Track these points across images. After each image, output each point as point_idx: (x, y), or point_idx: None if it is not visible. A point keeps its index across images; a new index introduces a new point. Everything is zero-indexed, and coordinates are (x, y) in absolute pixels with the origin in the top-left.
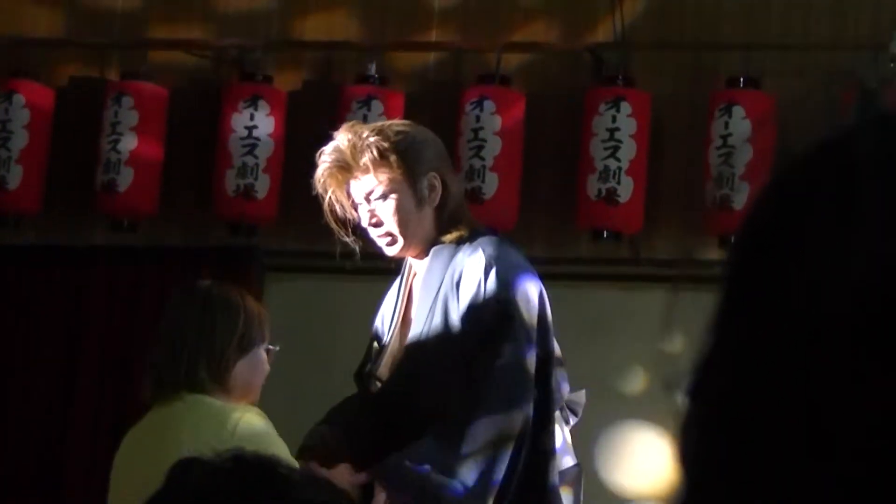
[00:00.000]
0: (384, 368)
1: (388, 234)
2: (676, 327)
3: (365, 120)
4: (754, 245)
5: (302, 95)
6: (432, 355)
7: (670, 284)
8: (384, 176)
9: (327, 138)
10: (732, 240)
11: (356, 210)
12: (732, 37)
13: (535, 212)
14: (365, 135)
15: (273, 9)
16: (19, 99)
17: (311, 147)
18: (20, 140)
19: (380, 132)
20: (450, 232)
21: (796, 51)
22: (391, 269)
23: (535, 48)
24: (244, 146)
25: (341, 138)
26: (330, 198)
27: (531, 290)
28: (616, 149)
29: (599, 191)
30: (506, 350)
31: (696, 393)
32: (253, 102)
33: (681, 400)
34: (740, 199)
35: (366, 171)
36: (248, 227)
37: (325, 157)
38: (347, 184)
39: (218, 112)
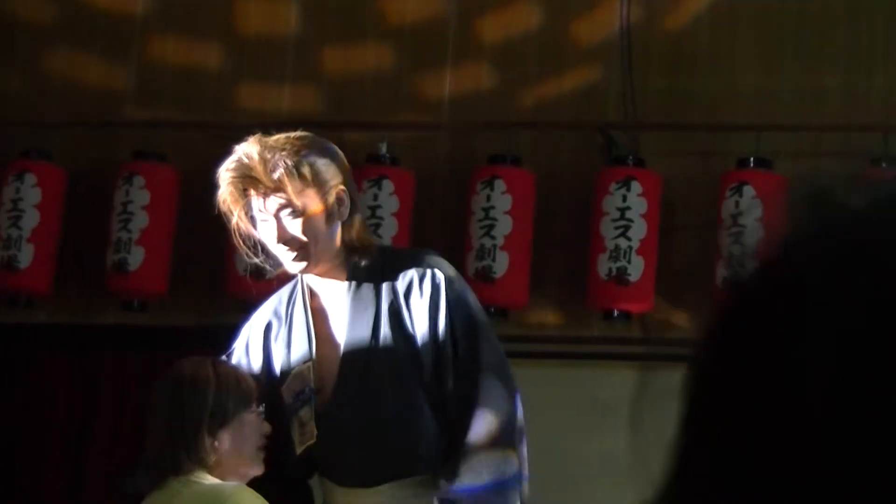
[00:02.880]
0: (324, 385)
1: (300, 249)
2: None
3: (375, 199)
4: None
5: None
6: (397, 365)
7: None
8: (297, 191)
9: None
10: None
11: (255, 225)
12: (744, 118)
13: (546, 291)
14: (276, 148)
15: (285, 89)
16: (31, 178)
17: None
18: (31, 219)
19: (290, 147)
20: (360, 251)
21: (808, 132)
22: None
23: (546, 128)
24: None
25: (249, 151)
26: (236, 216)
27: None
28: (626, 228)
29: (610, 270)
30: (493, 348)
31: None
32: None
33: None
34: None
35: (277, 186)
36: (257, 305)
37: (231, 173)
38: (249, 198)
39: None
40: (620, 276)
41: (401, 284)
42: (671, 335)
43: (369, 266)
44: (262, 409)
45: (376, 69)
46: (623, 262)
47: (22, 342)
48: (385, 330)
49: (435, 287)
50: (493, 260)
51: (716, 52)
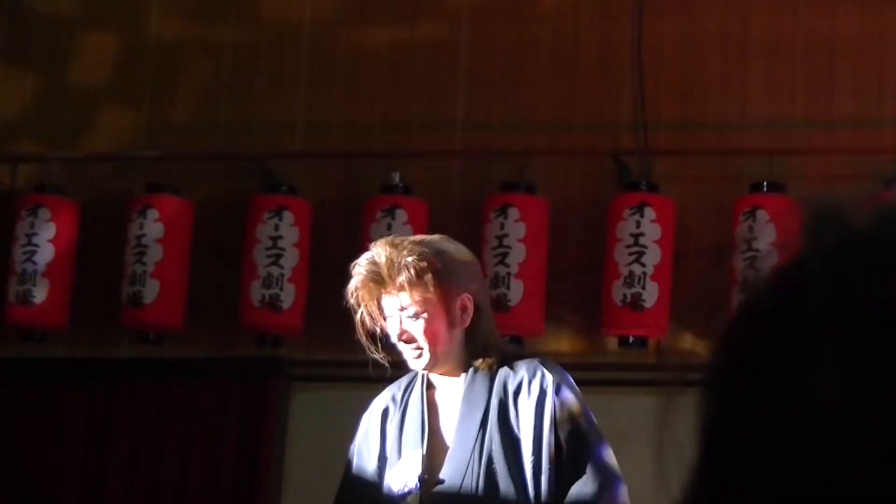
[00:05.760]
0: (431, 477)
1: (419, 349)
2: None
3: (389, 229)
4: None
5: (326, 205)
6: (499, 467)
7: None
8: (419, 296)
9: (354, 248)
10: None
11: (385, 321)
12: (754, 144)
13: (561, 318)
14: (403, 252)
15: (297, 120)
16: (45, 213)
17: (336, 256)
18: (46, 254)
19: (418, 252)
20: (482, 353)
21: (819, 156)
22: None
23: (559, 155)
24: (269, 256)
25: (379, 252)
26: (362, 311)
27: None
28: (641, 254)
29: (625, 296)
30: (604, 448)
31: None
32: (278, 213)
33: None
34: None
35: (401, 288)
36: (273, 337)
37: (360, 269)
38: (380, 296)
39: (243, 223)
40: (635, 302)
41: (511, 384)
42: (686, 361)
43: (487, 366)
44: None
45: (388, 98)
46: (638, 288)
47: (38, 376)
48: (492, 429)
49: (542, 389)
50: (508, 288)
51: (727, 79)
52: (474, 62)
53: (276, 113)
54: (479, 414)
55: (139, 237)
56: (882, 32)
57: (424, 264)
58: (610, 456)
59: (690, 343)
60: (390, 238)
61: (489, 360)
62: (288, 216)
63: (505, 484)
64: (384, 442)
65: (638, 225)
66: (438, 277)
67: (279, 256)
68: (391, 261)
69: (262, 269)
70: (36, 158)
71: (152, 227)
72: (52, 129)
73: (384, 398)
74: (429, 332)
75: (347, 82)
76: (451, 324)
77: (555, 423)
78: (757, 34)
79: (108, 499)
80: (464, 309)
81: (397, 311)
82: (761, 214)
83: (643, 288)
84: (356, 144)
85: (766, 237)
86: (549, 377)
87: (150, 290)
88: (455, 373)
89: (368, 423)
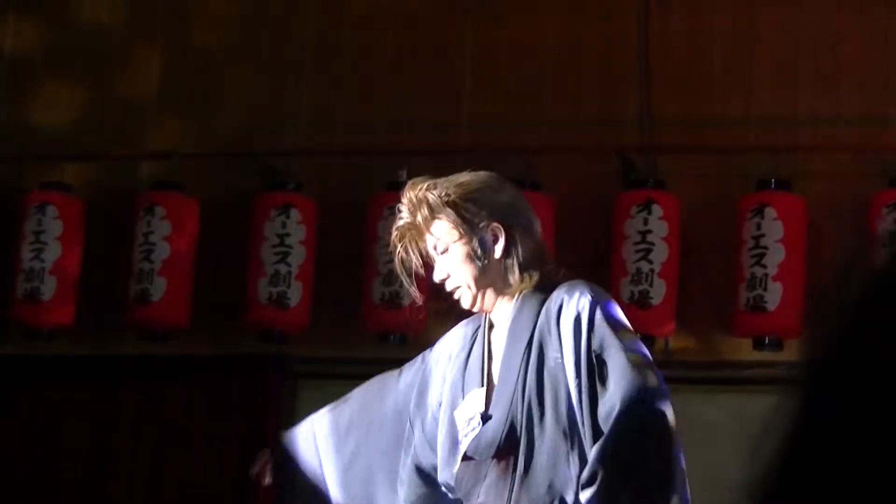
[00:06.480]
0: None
1: (457, 287)
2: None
3: None
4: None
5: (332, 202)
6: (548, 393)
7: (704, 386)
8: (442, 231)
9: (360, 245)
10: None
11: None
12: (760, 141)
13: None
14: (422, 189)
15: (303, 117)
16: (52, 210)
17: (342, 252)
18: (54, 252)
19: (434, 186)
20: (523, 282)
21: (826, 153)
22: None
23: (565, 152)
24: (276, 254)
25: (404, 193)
26: (400, 251)
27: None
28: (648, 251)
29: (632, 294)
30: (625, 372)
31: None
32: (285, 210)
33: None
34: (773, 300)
35: (426, 226)
36: (279, 334)
37: (398, 214)
38: (416, 239)
39: (249, 221)
40: (642, 300)
41: (553, 307)
42: (693, 358)
43: (530, 295)
44: None
45: (394, 95)
46: (645, 286)
47: (45, 373)
48: (533, 360)
49: (578, 310)
50: None
51: (733, 75)
52: (479, 59)
53: (282, 110)
54: (523, 345)
55: (146, 235)
56: (888, 30)
57: (438, 199)
58: (639, 374)
59: (696, 341)
60: (416, 179)
61: (530, 287)
62: (295, 214)
63: (551, 416)
64: (445, 380)
65: (645, 222)
66: (456, 209)
67: (286, 254)
68: (410, 200)
69: (269, 267)
70: (43, 157)
71: (159, 224)
72: (57, 126)
73: (456, 332)
74: (459, 267)
75: (353, 80)
76: (480, 256)
77: (589, 343)
78: (763, 31)
79: (111, 494)
80: (494, 239)
81: (433, 251)
82: (769, 212)
83: (650, 285)
84: (361, 142)
85: (773, 234)
86: (586, 297)
87: (158, 288)
88: (505, 306)
89: (440, 350)
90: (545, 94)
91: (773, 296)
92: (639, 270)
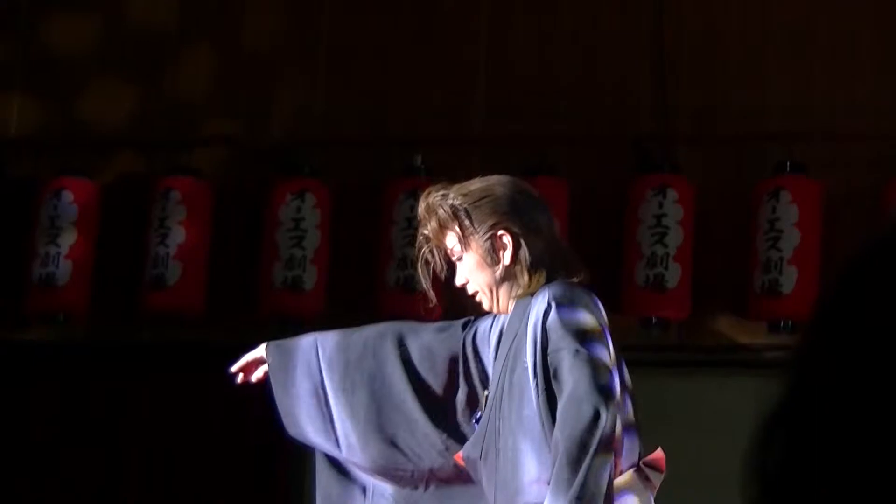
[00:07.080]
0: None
1: (476, 292)
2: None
3: (411, 211)
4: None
5: (348, 187)
6: (517, 399)
7: (719, 370)
8: (449, 240)
9: (375, 230)
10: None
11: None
12: (774, 128)
13: None
14: (431, 199)
15: (319, 103)
16: (67, 195)
17: (357, 238)
18: (69, 237)
19: (441, 195)
20: (533, 283)
21: (840, 141)
22: None
23: (580, 139)
24: (292, 238)
25: (420, 202)
26: (423, 252)
27: (590, 318)
28: (663, 235)
29: (647, 277)
30: (576, 367)
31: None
32: (300, 195)
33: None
34: (788, 283)
35: (441, 234)
36: (295, 319)
37: (418, 219)
38: (436, 244)
39: (264, 205)
40: (658, 283)
41: (528, 312)
42: (708, 342)
43: (521, 303)
44: None
45: (409, 82)
46: (660, 269)
47: (59, 359)
48: (509, 364)
49: (538, 311)
50: None
51: (746, 63)
52: (495, 48)
53: (299, 96)
54: (505, 351)
55: (162, 219)
56: None
57: (446, 208)
58: (586, 376)
59: (712, 324)
60: (430, 188)
61: (528, 291)
62: (310, 198)
63: (516, 419)
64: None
65: (660, 206)
66: (460, 218)
67: (301, 238)
68: (423, 210)
69: (285, 251)
70: (58, 142)
71: (175, 209)
72: (73, 110)
73: (494, 330)
74: (473, 274)
75: (369, 67)
76: (489, 263)
77: (545, 345)
78: (778, 18)
79: (127, 481)
80: (502, 246)
81: (452, 259)
82: (784, 195)
83: (666, 269)
84: (378, 129)
85: (788, 218)
86: (545, 299)
87: (173, 273)
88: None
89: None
90: (560, 83)
91: (789, 279)
92: (654, 254)
